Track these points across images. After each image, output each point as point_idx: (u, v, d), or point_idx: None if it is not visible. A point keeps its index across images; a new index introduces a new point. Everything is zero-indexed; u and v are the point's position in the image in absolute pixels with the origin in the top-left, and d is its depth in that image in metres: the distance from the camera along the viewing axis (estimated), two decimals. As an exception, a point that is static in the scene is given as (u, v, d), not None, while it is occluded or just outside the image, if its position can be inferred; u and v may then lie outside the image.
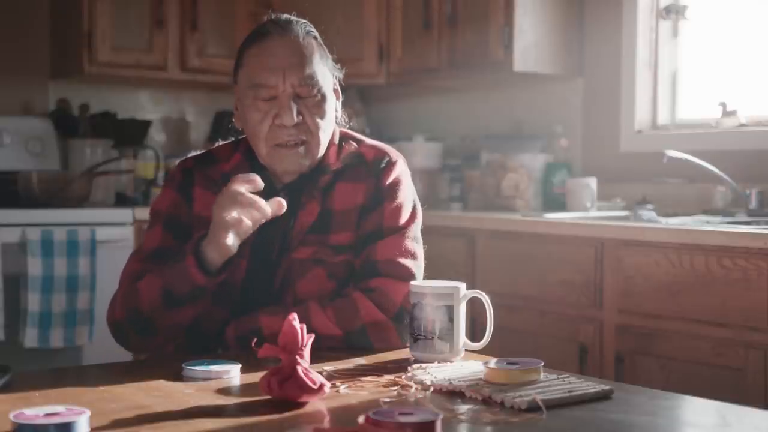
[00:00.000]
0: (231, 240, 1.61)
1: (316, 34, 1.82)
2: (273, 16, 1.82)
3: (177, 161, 1.93)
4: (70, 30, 3.94)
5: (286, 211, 1.79)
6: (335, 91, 1.83)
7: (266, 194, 1.80)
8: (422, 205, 1.90)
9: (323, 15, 4.04)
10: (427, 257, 1.84)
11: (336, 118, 1.84)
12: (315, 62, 1.76)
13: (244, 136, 1.84)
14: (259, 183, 1.61)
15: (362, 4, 4.05)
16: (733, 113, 3.22)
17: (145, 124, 4.20)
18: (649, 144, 3.47)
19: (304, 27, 1.79)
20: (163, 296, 1.67)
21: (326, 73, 1.79)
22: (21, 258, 3.29)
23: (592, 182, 3.39)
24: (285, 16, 1.81)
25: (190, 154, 1.91)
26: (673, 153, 3.09)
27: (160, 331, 1.71)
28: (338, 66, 1.85)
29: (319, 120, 1.75)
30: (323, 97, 1.76)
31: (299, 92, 1.74)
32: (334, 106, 1.81)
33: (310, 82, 1.74)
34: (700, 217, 3.00)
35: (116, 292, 1.78)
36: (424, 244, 1.84)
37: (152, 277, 1.70)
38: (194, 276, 1.63)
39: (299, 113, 1.73)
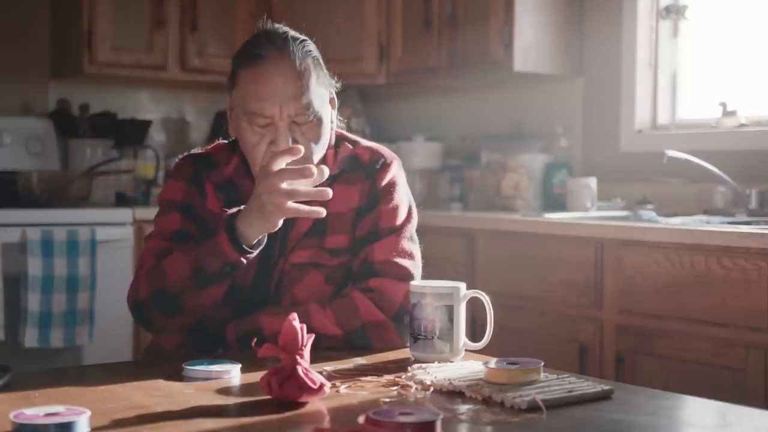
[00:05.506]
0: (280, 220, 1.60)
1: (314, 52, 1.76)
2: (269, 27, 1.75)
3: (179, 157, 1.88)
4: (70, 30, 3.94)
5: None
6: (331, 100, 1.80)
7: None
8: (421, 205, 1.90)
9: (323, 14, 4.08)
10: (427, 257, 1.84)
11: (331, 127, 1.81)
12: (312, 88, 1.71)
13: None
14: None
15: (362, 4, 4.05)
16: (733, 113, 3.22)
17: (145, 124, 4.20)
18: (649, 144, 3.47)
19: (301, 48, 1.72)
20: (192, 274, 1.65)
21: (322, 93, 1.75)
22: (21, 258, 3.29)
23: (592, 182, 3.39)
24: (282, 30, 1.75)
25: (193, 151, 1.89)
26: (673, 153, 3.09)
27: (186, 310, 1.69)
28: (335, 77, 1.81)
29: (313, 144, 1.72)
30: (319, 121, 1.72)
31: (295, 120, 1.70)
32: (329, 118, 1.78)
33: (307, 111, 1.70)
34: (700, 217, 3.00)
35: (137, 273, 1.75)
36: (422, 243, 1.84)
37: (179, 254, 1.68)
38: (228, 252, 1.61)
39: (294, 140, 1.70)
